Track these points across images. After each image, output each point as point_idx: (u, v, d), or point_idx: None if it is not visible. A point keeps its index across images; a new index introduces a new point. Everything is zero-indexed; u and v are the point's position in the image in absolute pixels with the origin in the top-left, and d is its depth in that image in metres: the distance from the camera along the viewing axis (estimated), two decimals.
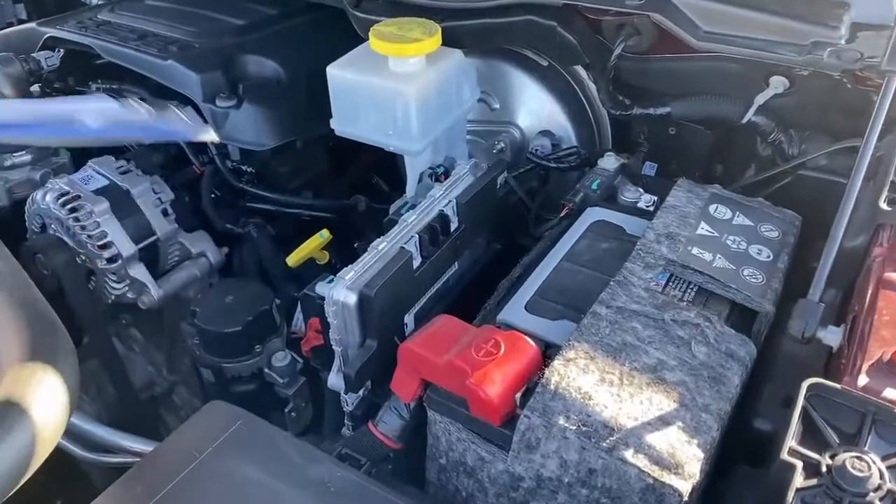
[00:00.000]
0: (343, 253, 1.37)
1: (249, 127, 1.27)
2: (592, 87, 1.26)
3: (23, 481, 0.66)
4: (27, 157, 1.21)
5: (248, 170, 1.30)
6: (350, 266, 0.83)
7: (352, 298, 0.81)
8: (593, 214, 0.95)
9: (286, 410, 1.13)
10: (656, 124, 1.24)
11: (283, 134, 1.28)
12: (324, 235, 1.20)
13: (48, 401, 0.67)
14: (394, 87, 1.00)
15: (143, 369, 1.36)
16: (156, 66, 1.30)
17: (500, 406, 0.70)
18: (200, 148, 1.32)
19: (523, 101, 1.27)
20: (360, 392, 0.85)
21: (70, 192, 1.13)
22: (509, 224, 1.10)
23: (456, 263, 0.99)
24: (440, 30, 1.04)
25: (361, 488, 0.71)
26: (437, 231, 0.90)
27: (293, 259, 1.19)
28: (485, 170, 1.00)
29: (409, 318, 0.91)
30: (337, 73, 1.04)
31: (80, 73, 1.43)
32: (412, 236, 0.87)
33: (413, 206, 1.04)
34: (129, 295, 1.19)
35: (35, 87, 1.33)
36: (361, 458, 0.77)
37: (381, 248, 0.86)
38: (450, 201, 0.93)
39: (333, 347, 0.85)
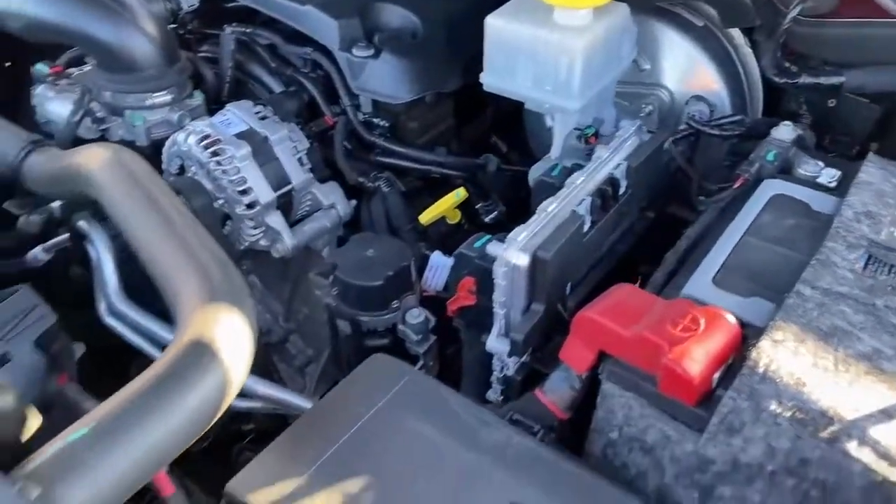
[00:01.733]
0: (468, 213, 1.35)
1: (386, 78, 1.24)
2: (748, 51, 1.18)
3: (213, 422, 0.65)
4: (167, 98, 1.20)
5: (381, 123, 1.27)
6: (521, 227, 0.80)
7: (524, 260, 0.77)
8: (772, 187, 0.89)
9: (416, 368, 1.12)
10: (818, 95, 1.15)
11: (419, 87, 1.25)
12: (459, 194, 1.17)
13: (235, 342, 0.66)
14: (560, 40, 0.94)
15: (261, 316, 1.37)
16: (292, 10, 1.28)
17: (698, 386, 0.65)
18: (332, 98, 1.30)
19: (675, 63, 1.20)
20: (524, 358, 0.82)
21: (212, 136, 1.13)
22: (667, 192, 1.05)
23: (613, 231, 0.95)
24: None
25: (540, 456, 0.68)
26: (608, 195, 0.86)
27: (426, 217, 1.17)
28: (652, 133, 0.94)
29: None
30: (497, 23, 0.99)
31: (213, 15, 1.43)
32: (583, 199, 0.83)
33: (562, 168, 1.00)
34: (263, 242, 1.18)
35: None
36: (534, 424, 0.74)
37: (552, 211, 0.82)
38: (619, 164, 0.88)
39: (496, 310, 0.82)
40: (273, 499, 0.65)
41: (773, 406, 0.62)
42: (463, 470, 0.66)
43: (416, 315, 1.12)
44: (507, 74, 1.01)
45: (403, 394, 0.73)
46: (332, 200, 1.24)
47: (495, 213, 1.32)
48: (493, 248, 0.78)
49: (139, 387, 0.61)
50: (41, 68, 1.22)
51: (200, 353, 0.63)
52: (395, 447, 0.69)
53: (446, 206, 1.14)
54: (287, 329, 1.41)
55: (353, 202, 1.28)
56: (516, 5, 1.01)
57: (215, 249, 0.76)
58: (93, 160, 0.92)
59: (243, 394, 1.12)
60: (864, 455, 0.59)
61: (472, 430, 0.70)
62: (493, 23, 0.99)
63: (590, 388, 0.77)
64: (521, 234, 0.78)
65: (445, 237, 1.24)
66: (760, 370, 0.64)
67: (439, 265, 1.07)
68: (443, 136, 1.38)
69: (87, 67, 1.27)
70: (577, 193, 0.84)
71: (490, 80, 1.03)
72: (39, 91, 1.22)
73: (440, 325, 1.09)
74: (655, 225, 1.03)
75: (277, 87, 1.34)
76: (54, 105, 1.21)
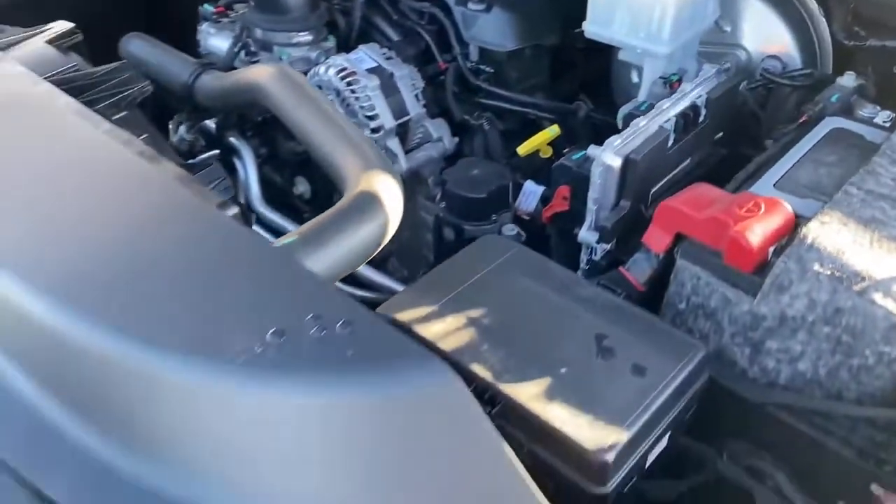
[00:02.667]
0: (557, 153, 1.52)
1: (495, 30, 1.43)
2: (821, 16, 1.32)
3: (372, 255, 0.85)
4: (308, 38, 1.42)
5: (487, 69, 1.46)
6: (615, 136, 0.97)
7: (617, 162, 0.95)
8: (832, 123, 1.04)
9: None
10: (883, 59, 1.28)
11: (522, 39, 1.43)
12: (553, 130, 1.35)
13: (393, 195, 0.85)
14: None
15: None
16: None
17: (756, 255, 0.82)
18: (445, 47, 1.49)
19: (753, 26, 1.35)
20: (609, 245, 0.99)
21: (348, 69, 1.33)
22: (738, 132, 1.20)
23: (689, 158, 1.11)
24: None
25: (623, 307, 0.86)
26: (690, 119, 1.02)
27: (524, 148, 1.35)
28: (731, 74, 1.10)
29: None
30: None
31: None
32: (670, 118, 1.00)
33: (649, 105, 1.16)
34: None
35: None
36: (618, 289, 0.91)
37: (642, 126, 0.99)
38: (700, 95, 1.05)
39: (589, 206, 1.00)
40: (412, 318, 0.84)
41: (816, 267, 0.77)
42: (559, 310, 0.84)
43: (511, 229, 1.30)
44: (607, 22, 1.18)
45: (512, 259, 0.91)
46: (440, 134, 1.44)
47: (582, 154, 1.49)
48: (593, 150, 0.96)
49: (320, 220, 0.81)
50: (207, 8, 1.46)
51: (369, 199, 0.83)
52: (505, 293, 0.87)
53: (542, 140, 1.32)
54: (388, 250, 1.62)
55: (457, 139, 1.47)
56: None
57: (366, 136, 0.96)
58: (262, 74, 1.14)
59: (365, 285, 1.33)
60: (888, 304, 0.74)
61: (568, 285, 0.87)
62: None
63: (664, 269, 0.93)
64: (616, 142, 0.96)
65: (537, 171, 1.42)
66: (808, 242, 0.80)
67: (531, 191, 1.25)
68: (536, 88, 1.56)
69: (242, 9, 1.50)
70: (663, 114, 1.01)
71: (592, 27, 1.21)
72: (204, 28, 1.46)
73: (528, 243, 1.27)
74: (726, 160, 1.18)
75: (396, 37, 1.55)
76: (215, 40, 1.44)
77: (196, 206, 0.71)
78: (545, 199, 1.19)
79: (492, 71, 1.45)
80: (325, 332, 0.57)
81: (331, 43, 1.48)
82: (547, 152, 1.38)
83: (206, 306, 0.59)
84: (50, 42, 1.05)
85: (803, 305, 0.79)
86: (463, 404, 0.54)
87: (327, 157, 0.95)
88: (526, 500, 0.55)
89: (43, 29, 1.08)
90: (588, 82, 1.67)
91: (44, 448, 0.57)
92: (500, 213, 1.29)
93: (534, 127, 1.50)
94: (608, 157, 0.94)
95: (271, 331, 0.56)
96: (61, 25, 1.09)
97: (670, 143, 1.00)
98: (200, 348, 0.56)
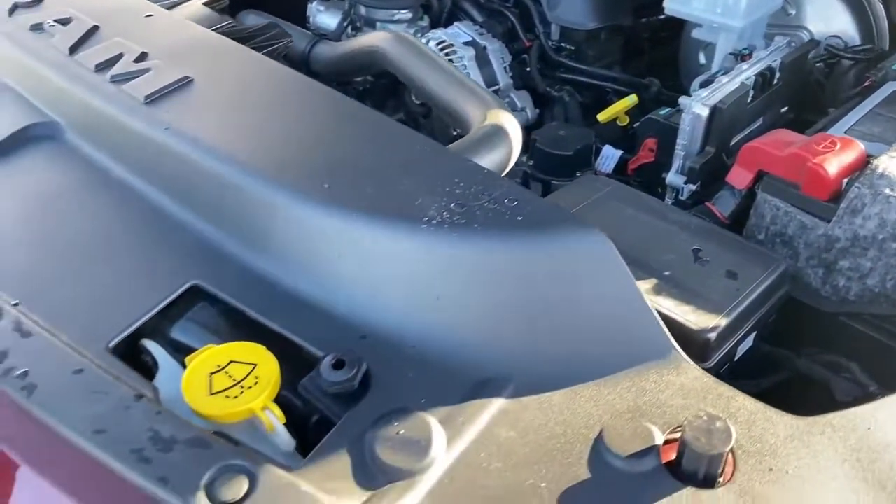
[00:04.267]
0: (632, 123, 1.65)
1: (578, 10, 1.57)
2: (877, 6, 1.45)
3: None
4: (408, 16, 1.58)
5: (567, 47, 1.60)
6: (702, 90, 1.11)
7: (705, 111, 1.08)
8: (894, 86, 1.16)
9: None
10: None
11: (602, 18, 1.58)
12: (632, 99, 1.48)
13: (515, 128, 1.00)
14: None
15: None
16: None
17: (832, 184, 0.95)
18: (528, 27, 1.64)
19: (815, 8, 1.48)
20: (695, 186, 1.13)
21: (446, 41, 1.49)
22: (804, 99, 1.33)
23: (761, 118, 1.24)
24: None
25: (714, 229, 0.99)
26: (766, 79, 1.15)
27: (604, 115, 1.49)
28: (802, 44, 1.23)
29: None
30: None
31: None
32: (750, 77, 1.13)
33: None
34: None
35: None
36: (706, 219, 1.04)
37: (724, 82, 1.13)
38: (776, 59, 1.18)
39: (677, 152, 1.13)
40: None
41: (887, 190, 0.90)
42: (658, 230, 0.97)
43: None
44: (684, 1, 1.32)
45: (611, 192, 1.05)
46: (524, 104, 1.58)
47: None
48: (684, 100, 1.10)
49: (456, 147, 0.96)
50: None
51: (498, 129, 0.98)
52: (608, 216, 1.00)
53: (621, 108, 1.46)
54: None
55: (538, 110, 1.62)
56: None
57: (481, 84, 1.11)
58: (379, 38, 1.29)
59: None
60: None
61: (663, 212, 1.01)
62: None
63: (745, 204, 1.06)
64: (704, 93, 1.09)
65: (615, 137, 1.55)
66: (879, 171, 0.92)
67: (609, 155, 1.39)
68: (609, 67, 1.70)
69: None
70: (743, 74, 1.14)
71: (672, 5, 1.35)
72: (313, 6, 1.63)
73: None
74: (792, 125, 1.31)
75: (480, 18, 1.70)
76: (324, 17, 1.61)
77: (376, 115, 0.87)
78: (622, 163, 1.33)
79: (572, 48, 1.60)
80: (496, 204, 0.71)
81: (425, 21, 1.64)
82: (624, 120, 1.52)
83: (403, 184, 0.74)
84: (205, 5, 1.21)
85: (874, 225, 0.91)
86: (613, 259, 0.68)
87: (450, 104, 1.10)
88: (663, 344, 0.69)
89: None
90: (653, 67, 1.81)
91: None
92: (583, 171, 1.43)
93: (606, 102, 1.65)
94: (697, 106, 1.08)
95: (454, 203, 0.71)
96: None
97: (749, 98, 1.13)
98: (404, 214, 0.70)
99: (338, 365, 0.65)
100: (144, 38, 1.01)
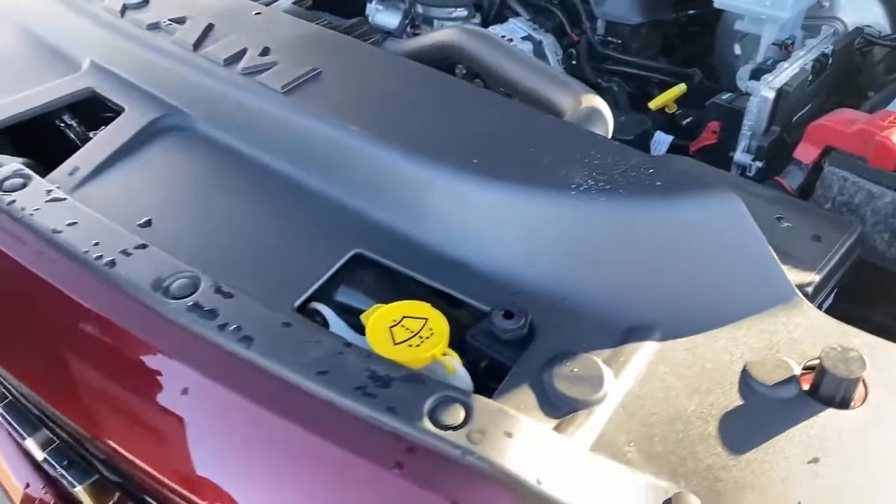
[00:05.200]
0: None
1: (624, 6, 1.67)
2: None
3: None
4: (463, 13, 1.67)
5: (613, 41, 1.70)
6: (768, 74, 1.21)
7: (771, 94, 1.18)
8: None
9: None
10: None
11: (646, 13, 1.68)
12: (681, 88, 1.58)
13: (608, 110, 1.09)
14: None
15: None
16: None
17: None
18: (576, 22, 1.74)
19: (849, 0, 1.59)
20: (762, 164, 1.22)
21: (506, 37, 1.58)
22: (845, 84, 1.43)
23: (812, 101, 1.34)
24: None
25: (791, 199, 1.08)
26: (822, 64, 1.25)
27: (655, 103, 1.58)
28: (847, 32, 1.34)
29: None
30: None
31: None
32: (808, 62, 1.23)
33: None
34: None
35: None
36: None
37: (784, 67, 1.23)
38: (828, 46, 1.28)
39: (743, 132, 1.23)
40: None
41: None
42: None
43: None
44: None
45: (692, 168, 1.14)
46: None
47: (690, 118, 1.73)
48: (752, 84, 1.19)
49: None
50: None
51: (595, 111, 1.06)
52: None
53: (672, 95, 1.55)
54: None
55: None
56: None
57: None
58: (452, 34, 1.37)
59: None
60: None
61: (742, 185, 1.10)
62: None
63: (811, 178, 1.16)
64: (770, 78, 1.19)
65: (665, 124, 1.65)
66: None
67: (661, 140, 1.49)
68: (650, 59, 1.80)
69: None
70: (801, 60, 1.24)
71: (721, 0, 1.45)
72: (372, 6, 1.71)
73: None
74: (835, 106, 1.41)
75: (527, 15, 1.79)
76: (383, 16, 1.69)
77: (497, 97, 0.96)
78: (671, 147, 1.43)
79: (619, 42, 1.69)
80: (635, 172, 0.80)
81: (477, 19, 1.73)
82: (672, 108, 1.62)
83: (544, 157, 0.82)
84: (295, 3, 1.29)
85: None
86: (743, 215, 0.77)
87: (537, 91, 1.19)
88: (788, 290, 0.78)
89: None
90: (684, 62, 1.92)
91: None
92: None
93: (647, 92, 1.75)
94: (764, 90, 1.18)
95: (595, 172, 0.80)
96: None
97: (808, 81, 1.23)
98: (553, 183, 0.79)
99: (507, 315, 0.74)
100: (260, 34, 1.09)
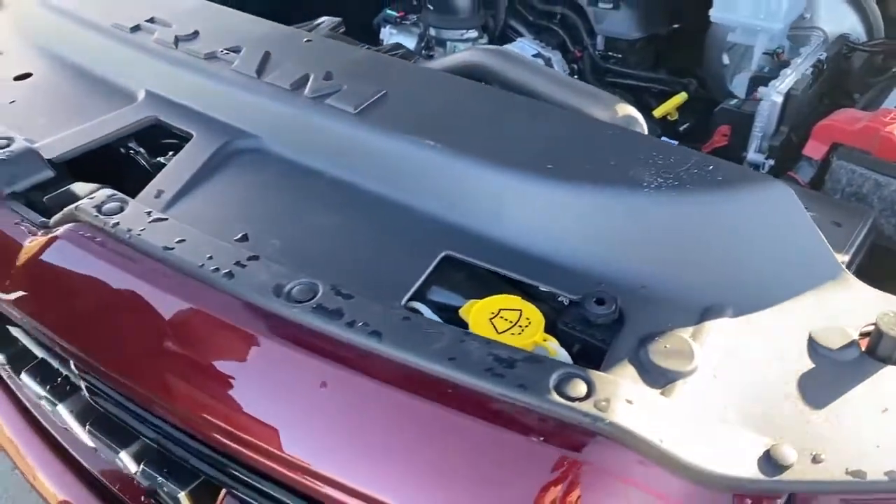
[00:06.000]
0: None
1: (623, 23, 1.79)
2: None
3: None
4: (473, 35, 1.77)
5: (613, 55, 1.82)
6: (776, 80, 1.33)
7: (779, 98, 1.30)
8: None
9: None
10: None
11: (644, 29, 1.80)
12: (682, 96, 1.70)
13: (642, 119, 1.19)
14: None
15: None
16: None
17: None
18: (577, 39, 1.85)
19: (828, 11, 1.72)
20: (773, 161, 1.34)
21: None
22: (834, 86, 1.57)
23: (810, 106, 1.47)
24: None
25: (810, 192, 1.20)
26: (819, 70, 1.38)
27: (659, 111, 1.70)
28: (836, 40, 1.47)
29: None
30: None
31: None
32: (808, 69, 1.36)
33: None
34: None
35: None
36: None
37: (787, 73, 1.35)
38: (822, 54, 1.41)
39: (754, 133, 1.35)
40: None
41: None
42: None
43: None
44: (732, 8, 1.55)
45: None
46: None
47: (686, 124, 1.86)
48: (762, 91, 1.31)
49: None
50: (390, 13, 1.79)
51: (633, 118, 1.16)
52: None
53: (675, 103, 1.67)
54: None
55: None
56: None
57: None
58: (476, 55, 1.47)
59: None
60: None
61: None
62: None
63: (821, 172, 1.28)
64: (777, 83, 1.31)
65: (664, 132, 1.77)
66: None
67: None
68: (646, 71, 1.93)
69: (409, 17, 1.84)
70: (799, 68, 1.37)
71: (718, 13, 1.57)
72: (386, 30, 1.79)
73: None
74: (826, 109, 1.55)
75: (529, 35, 1.90)
76: (398, 39, 1.78)
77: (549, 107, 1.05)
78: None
79: (619, 56, 1.81)
80: (697, 169, 0.89)
81: (485, 39, 1.83)
82: (674, 115, 1.74)
83: (611, 160, 0.92)
84: (332, 30, 1.37)
85: None
86: (795, 203, 0.87)
87: (569, 104, 1.28)
88: (837, 268, 0.88)
89: (319, 22, 1.40)
90: (673, 71, 2.05)
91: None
92: None
93: (644, 102, 1.87)
94: (774, 94, 1.30)
95: (661, 171, 0.89)
96: (331, 20, 1.41)
97: (810, 85, 1.36)
98: (625, 182, 0.88)
99: (599, 301, 0.82)
100: (317, 60, 1.16)
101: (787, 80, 1.33)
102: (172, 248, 0.86)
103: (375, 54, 1.19)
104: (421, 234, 0.93)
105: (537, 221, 0.90)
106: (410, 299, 0.87)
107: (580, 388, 0.70)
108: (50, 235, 0.93)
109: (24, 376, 1.14)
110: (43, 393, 1.11)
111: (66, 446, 1.37)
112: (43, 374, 1.14)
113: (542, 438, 0.68)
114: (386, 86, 1.08)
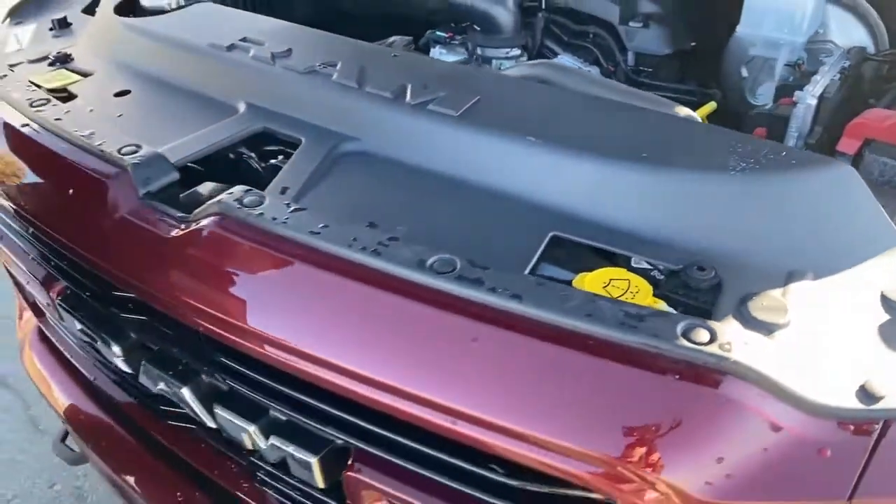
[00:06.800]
0: None
1: (654, 40, 1.95)
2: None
3: None
4: (517, 52, 1.91)
5: (645, 69, 1.97)
6: (809, 86, 1.48)
7: (814, 101, 1.45)
8: None
9: None
10: None
11: (673, 45, 1.96)
12: (712, 106, 1.85)
13: (698, 116, 1.33)
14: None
15: None
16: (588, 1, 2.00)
17: None
18: (609, 55, 2.00)
19: (838, 25, 1.89)
20: None
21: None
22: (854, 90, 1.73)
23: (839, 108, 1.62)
24: None
25: None
26: (845, 76, 1.54)
27: None
28: (856, 52, 1.63)
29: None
30: None
31: None
32: (836, 75, 1.51)
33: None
34: None
35: None
36: None
37: (818, 79, 1.50)
38: (846, 62, 1.57)
39: (790, 133, 1.49)
40: None
41: None
42: None
43: None
44: (759, 24, 1.70)
45: None
46: None
47: None
48: (798, 94, 1.46)
49: None
50: (440, 34, 1.93)
51: (688, 123, 1.30)
52: None
53: (705, 112, 1.82)
54: None
55: None
56: None
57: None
58: (535, 69, 1.60)
59: None
60: None
61: None
62: None
63: (854, 166, 1.42)
64: (811, 88, 1.46)
65: None
66: None
67: None
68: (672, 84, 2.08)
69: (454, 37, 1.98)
70: (827, 74, 1.52)
71: (745, 29, 1.73)
72: (436, 50, 1.93)
73: None
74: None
75: (563, 53, 2.05)
76: (447, 59, 1.91)
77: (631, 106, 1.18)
78: None
79: (650, 70, 1.97)
80: (774, 155, 1.03)
81: (524, 58, 1.97)
82: (704, 122, 1.89)
83: (697, 149, 1.05)
84: (404, 47, 1.50)
85: None
86: (859, 182, 1.01)
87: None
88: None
89: (391, 41, 1.53)
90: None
91: None
92: None
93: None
94: (809, 98, 1.45)
95: (743, 157, 1.02)
96: (402, 38, 1.54)
97: (839, 89, 1.51)
98: (715, 166, 1.01)
99: (700, 269, 0.95)
100: (409, 73, 1.29)
101: (817, 85, 1.48)
102: (319, 233, 0.97)
103: (461, 66, 1.32)
104: (527, 218, 1.05)
105: (634, 204, 1.02)
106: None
107: (703, 335, 0.82)
108: (198, 227, 1.04)
109: (145, 366, 1.24)
110: (166, 379, 1.21)
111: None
112: (163, 363, 1.23)
113: (677, 377, 0.80)
114: (478, 92, 1.21)
